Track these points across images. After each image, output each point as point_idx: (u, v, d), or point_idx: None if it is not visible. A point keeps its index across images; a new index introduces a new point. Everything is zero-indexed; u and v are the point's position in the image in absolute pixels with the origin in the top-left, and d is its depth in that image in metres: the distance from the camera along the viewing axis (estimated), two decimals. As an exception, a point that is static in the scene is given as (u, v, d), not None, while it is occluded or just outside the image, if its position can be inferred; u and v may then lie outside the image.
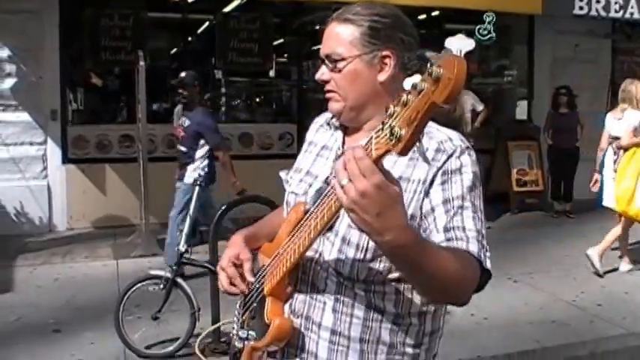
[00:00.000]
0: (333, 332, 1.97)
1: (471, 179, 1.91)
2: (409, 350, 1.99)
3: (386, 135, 1.51)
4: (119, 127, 10.50)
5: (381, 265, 1.89)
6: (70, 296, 7.01)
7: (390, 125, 1.50)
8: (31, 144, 9.81)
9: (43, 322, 6.36)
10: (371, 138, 1.56)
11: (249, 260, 2.13)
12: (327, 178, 2.03)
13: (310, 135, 2.28)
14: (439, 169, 1.88)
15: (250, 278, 2.10)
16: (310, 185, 2.08)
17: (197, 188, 6.91)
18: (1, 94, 9.59)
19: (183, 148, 7.72)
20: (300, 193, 2.11)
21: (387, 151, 1.52)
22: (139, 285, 5.54)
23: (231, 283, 2.13)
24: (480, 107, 10.10)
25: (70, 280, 7.61)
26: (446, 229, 1.83)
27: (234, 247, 2.18)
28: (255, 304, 2.12)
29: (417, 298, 1.95)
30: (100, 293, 6.96)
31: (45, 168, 9.90)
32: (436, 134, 1.94)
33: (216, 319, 5.40)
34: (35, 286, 7.47)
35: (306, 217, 1.88)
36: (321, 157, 2.14)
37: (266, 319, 2.01)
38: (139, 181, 8.58)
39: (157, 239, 8.50)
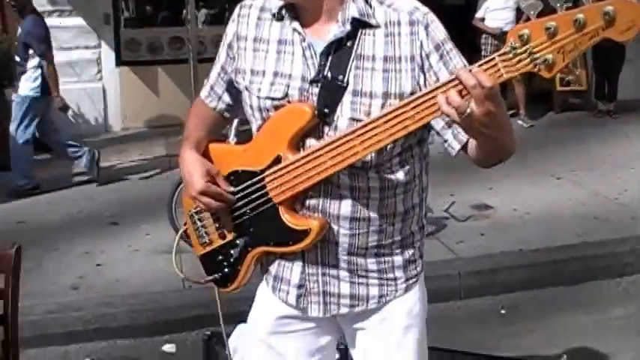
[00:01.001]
0: (353, 219, 2.03)
1: (452, 43, 1.97)
2: (417, 211, 2.14)
3: (522, 59, 1.67)
4: (170, 29, 10.63)
5: (387, 147, 1.93)
6: (126, 192, 7.31)
7: (529, 51, 1.66)
8: (86, 47, 10.03)
9: (101, 215, 6.71)
10: (492, 60, 1.69)
11: (219, 173, 2.11)
12: (318, 76, 1.95)
13: (244, 30, 2.10)
14: (425, 44, 1.93)
15: (230, 188, 2.09)
16: (288, 86, 1.98)
17: (30, 100, 7.08)
18: (56, 0, 9.77)
19: (17, 58, 7.63)
20: (279, 96, 2.00)
21: (523, 74, 1.70)
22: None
23: (219, 201, 2.08)
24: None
25: (126, 176, 7.92)
26: None
27: (198, 166, 2.12)
28: (250, 215, 2.08)
29: (417, 162, 2.07)
30: (154, 188, 7.25)
31: (99, 71, 10.14)
32: (400, 5, 1.96)
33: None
34: (93, 183, 7.80)
35: (354, 129, 1.86)
36: (285, 53, 2.01)
37: (293, 226, 2.01)
38: (189, 81, 8.76)
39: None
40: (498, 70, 1.69)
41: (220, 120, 2.30)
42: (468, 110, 1.65)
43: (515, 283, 5.33)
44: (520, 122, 9.71)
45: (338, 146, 1.88)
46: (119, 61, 10.24)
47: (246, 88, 2.07)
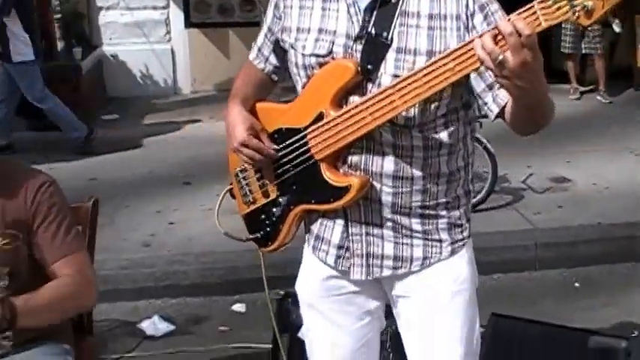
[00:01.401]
0: (396, 177, 2.03)
1: (498, 4, 1.97)
2: (462, 174, 2.13)
3: (561, 7, 1.66)
4: (240, -9, 10.56)
5: (432, 106, 1.96)
6: (197, 152, 7.30)
7: None
8: (154, 8, 9.97)
9: (173, 174, 6.72)
10: (531, 8, 1.67)
11: (263, 129, 2.16)
12: (362, 32, 1.95)
13: None
14: (470, 3, 1.93)
15: (273, 145, 2.12)
16: (333, 43, 2.00)
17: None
18: (124, -41, 9.79)
19: None
20: (323, 53, 2.01)
21: (562, 22, 1.69)
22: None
23: (260, 154, 2.12)
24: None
25: (196, 138, 7.89)
26: None
27: (242, 120, 2.16)
28: (293, 172, 2.10)
29: (462, 126, 2.06)
30: (225, 150, 7.21)
31: (168, 32, 10.10)
32: None
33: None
34: (163, 143, 7.83)
35: (394, 83, 1.87)
36: (329, 10, 2.02)
37: (334, 183, 2.02)
38: (260, 44, 8.69)
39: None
40: (537, 18, 1.68)
41: (268, 82, 2.31)
42: (501, 57, 1.65)
43: (592, 257, 5.25)
44: (599, 98, 9.44)
45: (378, 101, 1.89)
46: (188, 23, 10.20)
47: (292, 46, 2.09)
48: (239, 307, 4.69)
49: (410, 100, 1.85)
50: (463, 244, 2.17)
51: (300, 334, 3.01)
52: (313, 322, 2.33)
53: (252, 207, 2.27)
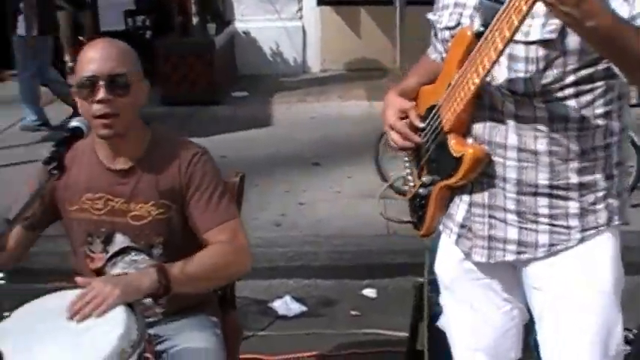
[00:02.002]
0: (520, 150, 1.95)
1: None
2: (601, 154, 1.96)
3: None
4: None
5: (554, 71, 1.86)
6: (326, 133, 7.28)
7: None
8: (287, -15, 10.04)
9: (302, 155, 6.71)
10: None
11: (413, 108, 2.15)
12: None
13: None
14: None
15: (420, 124, 2.11)
16: (461, 14, 2.01)
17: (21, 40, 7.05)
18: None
19: None
20: (452, 25, 2.04)
21: None
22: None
23: (404, 139, 2.15)
24: None
25: (325, 118, 7.89)
26: None
27: (392, 103, 2.19)
28: (432, 148, 2.10)
29: (600, 98, 1.91)
30: (355, 131, 7.16)
31: (300, 9, 10.11)
32: None
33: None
34: (292, 122, 7.83)
35: (482, 38, 1.84)
36: None
37: (453, 153, 2.00)
38: (393, 24, 8.58)
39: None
40: None
41: (438, 70, 2.22)
42: None
43: None
44: None
45: (483, 49, 1.83)
46: (320, 0, 10.16)
47: (437, 21, 2.13)
48: (370, 292, 4.62)
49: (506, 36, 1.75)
50: (597, 233, 1.99)
51: (438, 323, 2.92)
52: (451, 306, 2.31)
53: (413, 191, 2.27)
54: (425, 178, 2.15)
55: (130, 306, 2.11)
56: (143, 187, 2.40)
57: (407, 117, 2.14)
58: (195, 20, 8.97)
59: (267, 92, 8.94)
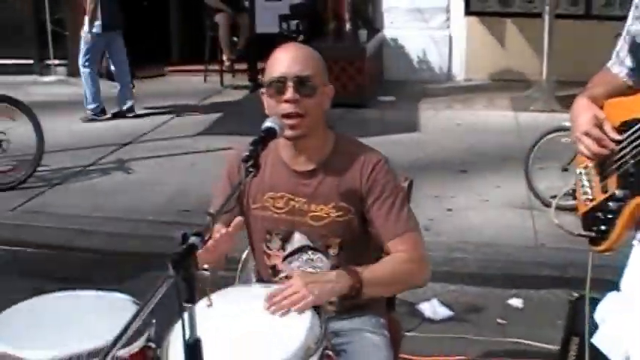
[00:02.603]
0: None
1: None
2: None
3: None
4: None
5: None
6: (473, 141, 7.31)
7: None
8: (437, -6, 10.13)
9: (449, 161, 6.78)
10: None
11: (606, 119, 2.10)
12: None
13: None
14: None
15: (617, 136, 2.07)
16: None
17: (89, 36, 7.65)
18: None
19: None
20: None
21: None
22: (550, 136, 5.60)
23: (600, 146, 2.09)
24: None
25: (471, 127, 7.92)
26: None
27: (585, 110, 2.14)
28: (631, 163, 2.03)
29: None
30: (501, 141, 7.18)
31: (448, 19, 10.18)
32: None
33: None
34: (439, 129, 7.91)
35: None
36: None
37: None
38: (540, 37, 8.52)
39: (556, 96, 8.44)
40: None
41: (621, 86, 2.26)
42: None
43: None
44: None
45: None
46: (468, 11, 10.20)
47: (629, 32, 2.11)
48: (516, 302, 4.64)
49: None
50: None
51: (594, 340, 2.92)
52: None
53: (591, 204, 2.23)
54: (617, 192, 2.10)
55: None
56: (324, 189, 2.47)
57: (598, 124, 2.11)
58: (347, 26, 9.21)
59: (413, 98, 9.06)
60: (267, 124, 2.29)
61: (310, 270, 2.47)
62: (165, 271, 1.61)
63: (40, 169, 6.44)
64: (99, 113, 8.39)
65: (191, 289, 1.64)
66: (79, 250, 5.38)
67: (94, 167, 6.86)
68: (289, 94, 2.36)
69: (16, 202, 6.01)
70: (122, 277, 4.71)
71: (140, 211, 5.70)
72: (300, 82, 2.37)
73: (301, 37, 9.66)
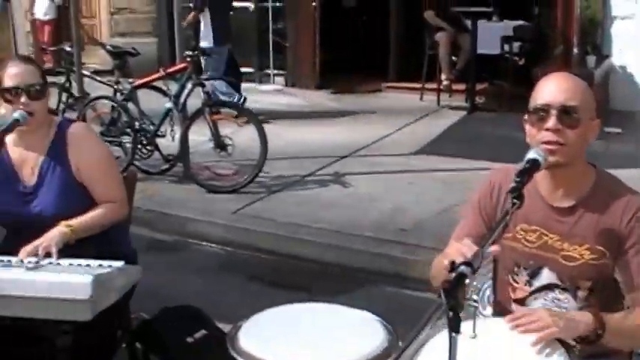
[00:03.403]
0: None
1: None
2: None
3: None
4: None
5: None
6: None
7: None
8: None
9: None
10: None
11: None
12: None
13: None
14: None
15: None
16: None
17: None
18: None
19: None
20: None
21: None
22: None
23: None
24: None
25: None
26: None
27: None
28: None
29: None
30: None
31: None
32: None
33: None
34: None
35: None
36: None
37: None
38: None
39: None
40: None
41: None
42: None
43: None
44: None
45: None
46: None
47: None
48: None
49: None
50: None
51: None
52: None
53: None
54: None
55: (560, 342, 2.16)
56: (581, 228, 2.39)
57: None
58: (575, 51, 8.89)
59: (640, 130, 8.58)
60: (532, 155, 2.27)
61: (556, 309, 2.39)
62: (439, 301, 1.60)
63: (260, 174, 6.62)
64: None
65: (457, 318, 1.65)
66: (297, 259, 5.49)
67: (311, 178, 6.99)
68: (551, 122, 2.31)
69: (236, 206, 6.21)
70: (339, 290, 4.77)
71: (357, 226, 5.71)
72: (565, 112, 2.32)
73: (522, 61, 9.47)
